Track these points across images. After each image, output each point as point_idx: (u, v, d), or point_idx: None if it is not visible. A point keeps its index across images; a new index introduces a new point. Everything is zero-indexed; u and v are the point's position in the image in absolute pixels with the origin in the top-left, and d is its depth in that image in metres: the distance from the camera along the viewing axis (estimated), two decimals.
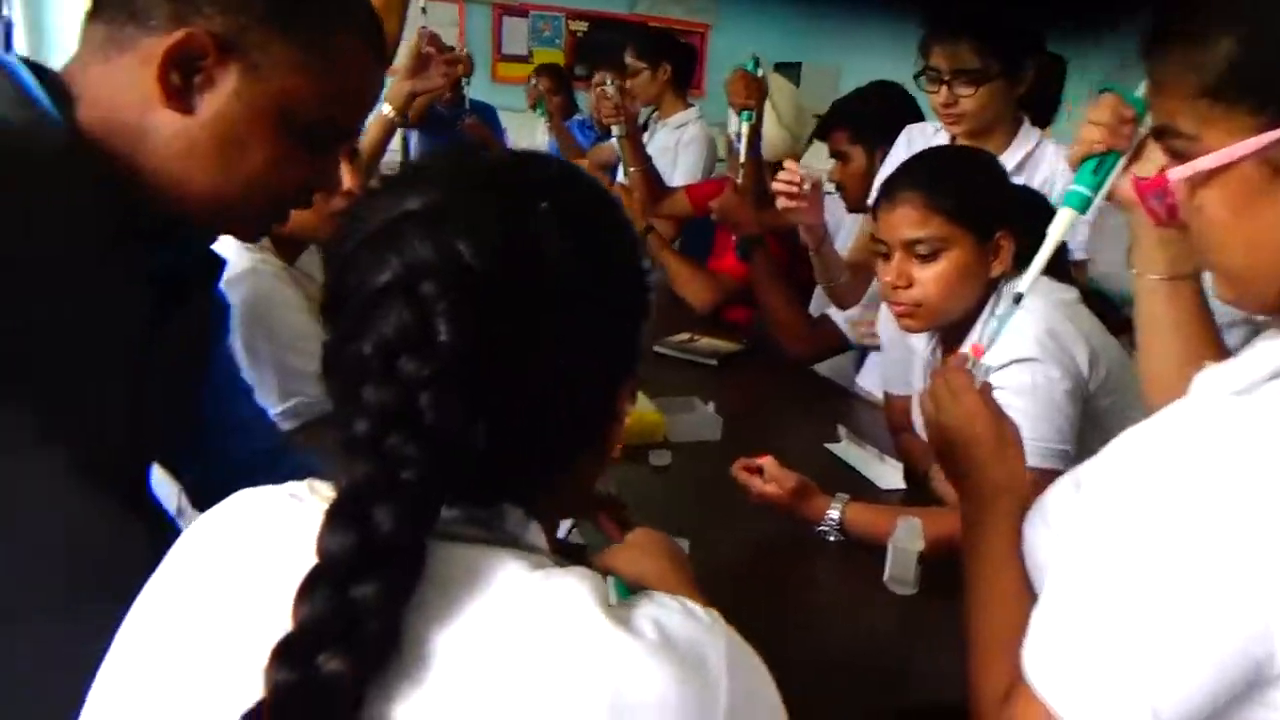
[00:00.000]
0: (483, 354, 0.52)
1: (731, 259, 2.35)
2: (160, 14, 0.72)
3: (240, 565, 0.56)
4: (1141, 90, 0.92)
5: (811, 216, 1.82)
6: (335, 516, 0.49)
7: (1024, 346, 1.25)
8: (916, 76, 1.79)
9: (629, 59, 3.09)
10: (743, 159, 2.25)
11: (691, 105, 3.23)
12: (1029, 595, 0.80)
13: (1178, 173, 0.69)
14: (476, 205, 0.55)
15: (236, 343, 1.16)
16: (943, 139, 1.86)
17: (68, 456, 0.68)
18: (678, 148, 3.11)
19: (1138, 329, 1.00)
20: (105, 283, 0.73)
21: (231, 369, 1.06)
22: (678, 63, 3.15)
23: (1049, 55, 1.85)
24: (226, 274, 1.16)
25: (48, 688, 0.61)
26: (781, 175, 1.79)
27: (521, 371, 0.54)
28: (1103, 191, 0.96)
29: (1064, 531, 0.79)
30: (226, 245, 1.19)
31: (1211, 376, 0.69)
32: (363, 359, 0.51)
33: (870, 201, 1.85)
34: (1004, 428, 0.92)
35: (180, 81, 0.72)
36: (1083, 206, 0.96)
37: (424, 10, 1.84)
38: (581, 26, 6.37)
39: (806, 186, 1.76)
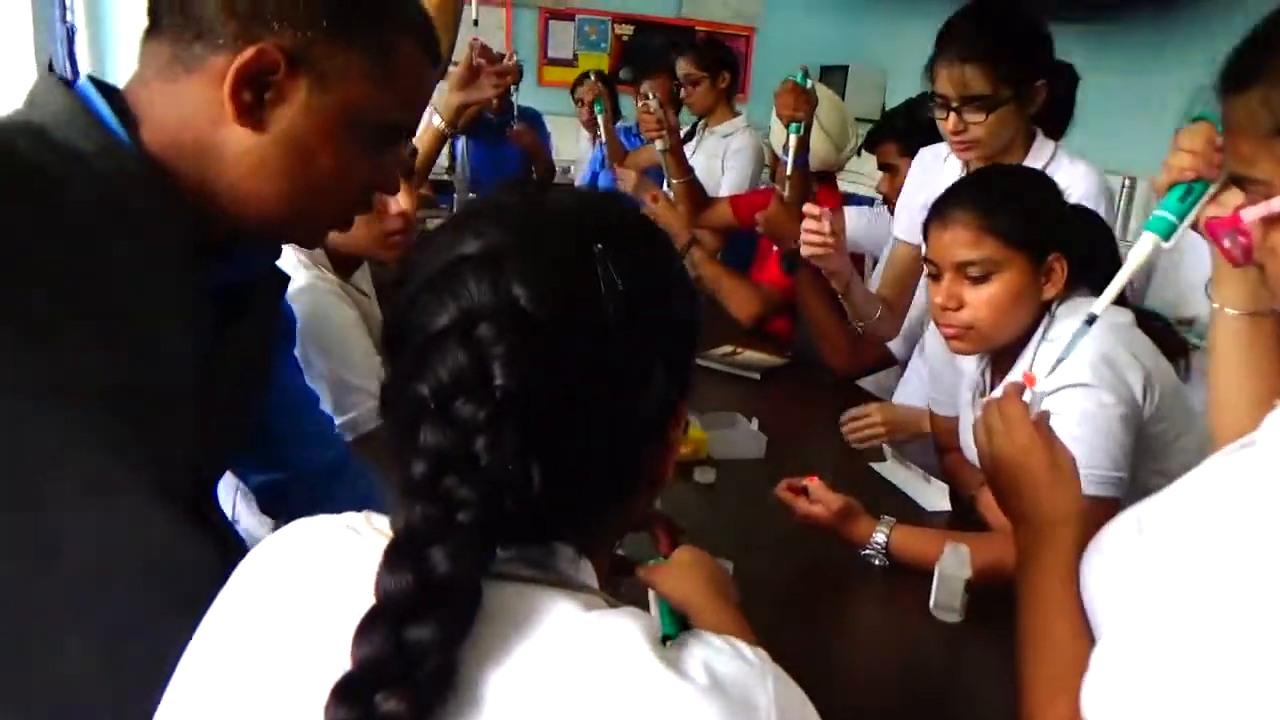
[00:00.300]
0: (538, 396, 0.52)
1: (773, 270, 2.34)
2: (228, 31, 0.72)
3: (299, 599, 0.57)
4: None
5: (836, 263, 1.80)
6: (393, 557, 0.50)
7: (1078, 372, 1.23)
8: (927, 100, 1.74)
9: (687, 68, 3.09)
10: (790, 171, 2.23)
11: (739, 114, 3.23)
12: (1087, 633, 0.80)
13: (1251, 213, 0.68)
14: (532, 250, 0.55)
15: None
16: (954, 163, 1.82)
17: (143, 476, 0.69)
18: (725, 156, 3.11)
19: (1210, 361, 0.99)
20: (177, 304, 0.74)
21: (297, 380, 1.08)
22: (734, 71, 3.15)
23: (1058, 65, 1.79)
24: (287, 290, 1.18)
25: (126, 702, 0.63)
26: (808, 224, 1.76)
27: (576, 412, 0.55)
28: (1188, 220, 0.94)
29: (1123, 571, 0.77)
30: (285, 261, 1.22)
31: None
32: (420, 400, 0.52)
33: (921, 221, 1.84)
34: (1060, 458, 0.91)
35: (252, 98, 0.73)
36: (1167, 233, 0.94)
37: (475, 22, 1.85)
38: (627, 31, 6.38)
39: (829, 231, 1.73)
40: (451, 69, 1.76)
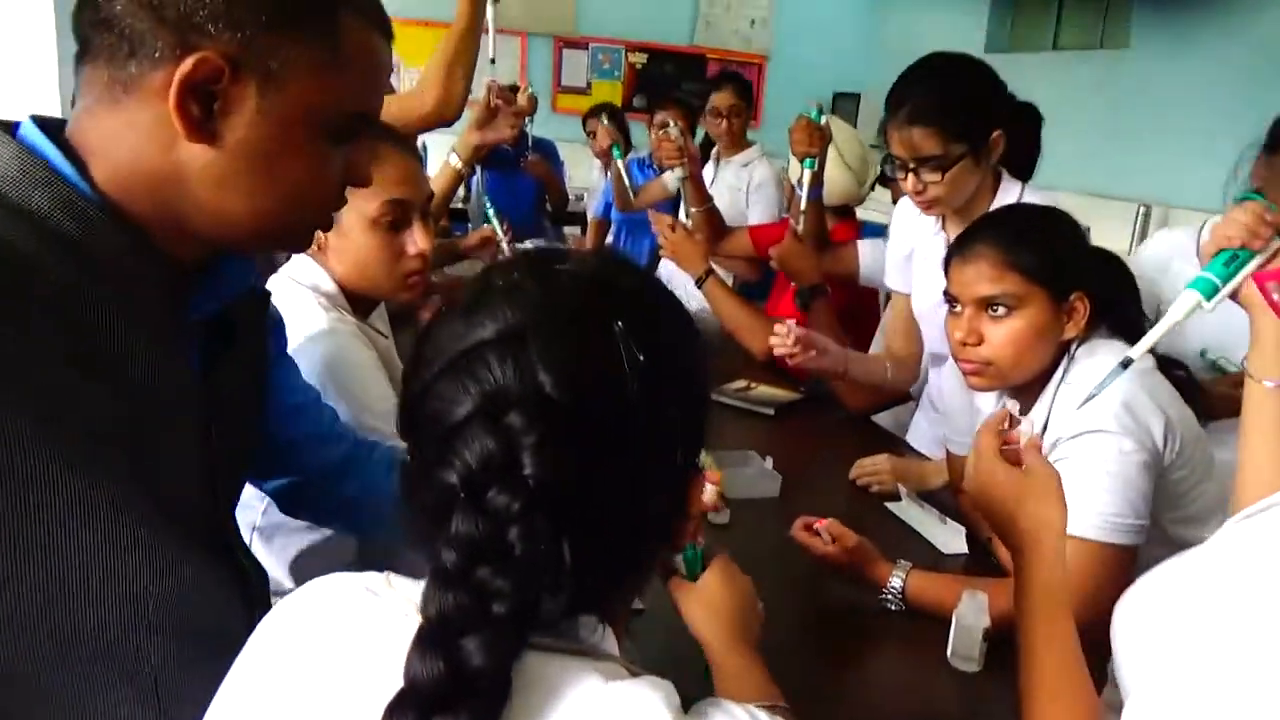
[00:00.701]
0: (568, 481, 0.53)
1: (789, 303, 2.34)
2: (163, 43, 0.66)
3: (319, 668, 0.57)
4: None
5: (821, 363, 1.82)
6: (424, 643, 0.50)
7: (1099, 419, 1.22)
8: (883, 163, 1.74)
9: (731, 99, 3.14)
10: (804, 205, 2.24)
11: (753, 143, 3.27)
12: (1078, 641, 0.85)
13: None
14: (554, 333, 0.55)
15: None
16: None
17: (152, 520, 0.68)
18: (750, 188, 3.14)
19: (1242, 430, 1.01)
20: (162, 344, 0.71)
21: (297, 382, 1.05)
22: (749, 102, 3.21)
23: (1020, 109, 1.79)
24: (307, 331, 1.19)
25: None
26: (774, 339, 1.79)
27: (605, 492, 0.55)
28: (1230, 286, 0.98)
29: (1153, 632, 0.76)
30: (304, 303, 1.23)
31: None
32: (449, 489, 0.52)
33: (906, 271, 1.84)
34: (1027, 482, 0.92)
35: (200, 111, 0.67)
36: (1209, 293, 0.98)
37: (493, 62, 1.87)
38: (641, 59, 6.43)
39: (793, 341, 1.77)
40: (468, 109, 1.79)
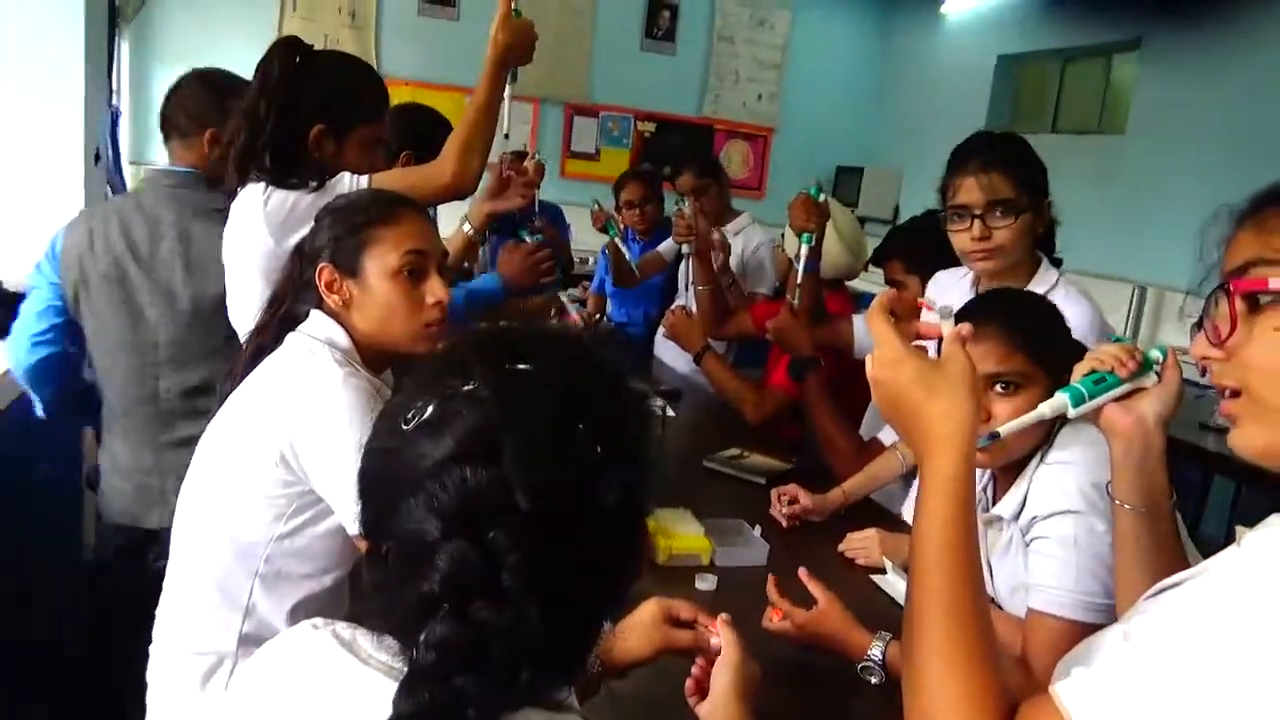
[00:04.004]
0: (544, 582, 0.57)
1: (783, 372, 2.39)
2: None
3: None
4: (1156, 353, 1.08)
5: (826, 511, 1.92)
6: None
7: (1068, 499, 1.27)
8: (938, 216, 1.82)
9: (694, 179, 3.23)
10: (800, 278, 2.30)
11: (739, 211, 3.41)
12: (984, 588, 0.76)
13: (1277, 281, 0.72)
14: (523, 447, 0.58)
15: (318, 444, 1.23)
16: (968, 283, 1.89)
17: None
18: (746, 255, 3.23)
19: (1115, 555, 1.08)
20: None
21: None
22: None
23: None
24: (323, 383, 1.24)
25: None
26: (774, 512, 1.89)
27: (573, 575, 0.59)
28: (1095, 403, 1.07)
29: (1109, 679, 0.77)
30: (319, 358, 1.29)
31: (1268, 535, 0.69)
32: (428, 597, 0.56)
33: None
34: (942, 372, 0.82)
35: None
36: (1075, 402, 1.07)
37: (506, 136, 1.95)
38: (649, 128, 6.59)
39: (790, 514, 1.87)
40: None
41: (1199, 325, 0.83)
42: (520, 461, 0.57)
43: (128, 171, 5.06)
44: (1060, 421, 1.37)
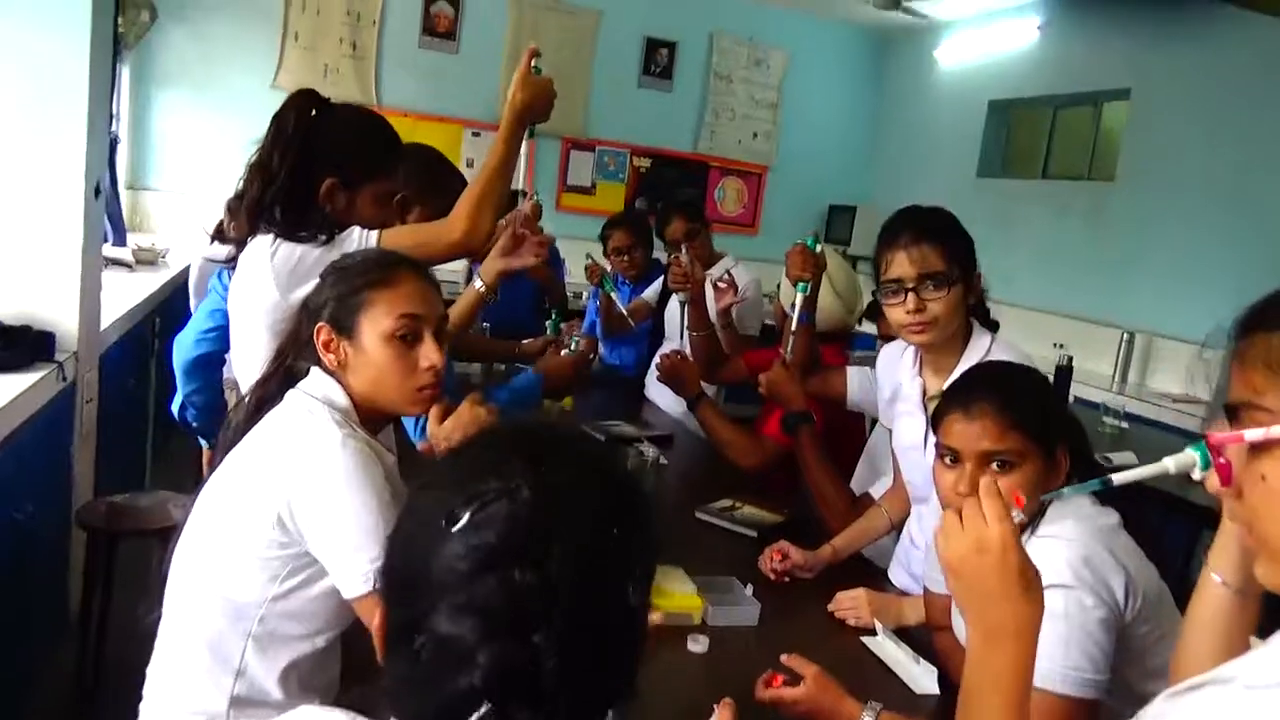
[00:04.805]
0: (572, 678, 0.58)
1: (776, 424, 2.40)
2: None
3: None
4: None
5: (816, 569, 1.92)
6: None
7: (1059, 573, 1.27)
8: (875, 292, 1.85)
9: (685, 224, 3.30)
10: (794, 326, 2.30)
11: (723, 253, 3.48)
12: None
13: (1254, 434, 0.73)
14: (568, 552, 0.59)
15: (316, 507, 1.23)
16: (910, 356, 1.91)
17: None
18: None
19: (1188, 613, 1.04)
20: None
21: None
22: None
23: None
24: (320, 443, 1.24)
25: None
26: (763, 568, 1.88)
27: (599, 673, 0.61)
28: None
29: None
30: (317, 416, 1.29)
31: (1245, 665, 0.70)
32: (468, 692, 0.57)
33: (918, 400, 1.91)
34: (1023, 564, 0.91)
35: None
36: (1205, 465, 0.91)
37: (523, 194, 1.95)
38: (645, 163, 6.64)
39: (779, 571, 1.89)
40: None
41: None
42: (568, 566, 0.58)
43: (124, 197, 5.08)
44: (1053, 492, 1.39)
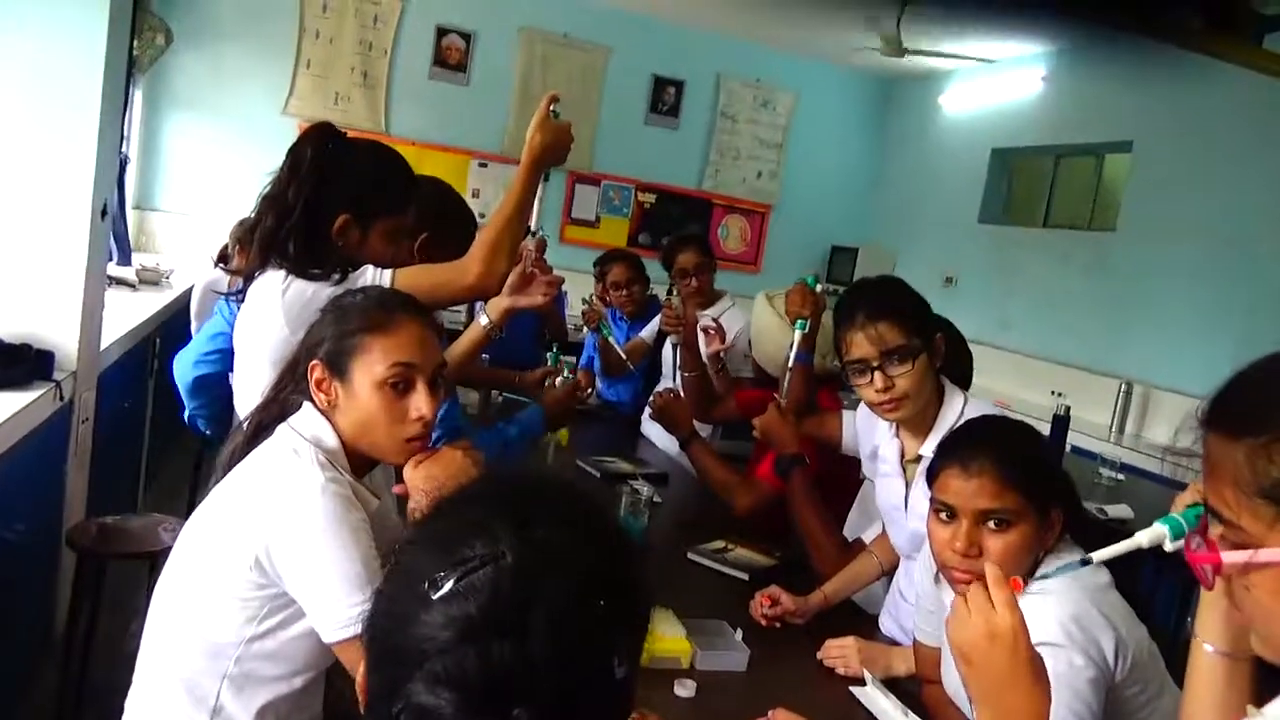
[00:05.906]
0: None
1: (769, 466, 2.39)
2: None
3: None
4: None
5: (807, 615, 1.91)
6: None
7: (1049, 632, 1.27)
8: (842, 372, 1.86)
9: (697, 257, 3.30)
10: (791, 364, 2.30)
11: (722, 293, 3.46)
12: None
13: (1232, 558, 0.74)
14: (549, 624, 0.58)
15: (294, 550, 1.22)
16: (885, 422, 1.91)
17: None
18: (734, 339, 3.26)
19: (1185, 686, 1.03)
20: None
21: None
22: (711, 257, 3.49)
23: (942, 323, 1.91)
24: (300, 487, 1.23)
25: None
26: (754, 613, 1.87)
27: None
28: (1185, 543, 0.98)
29: None
30: (302, 457, 1.28)
31: None
32: None
33: (897, 461, 1.92)
34: (1030, 654, 0.94)
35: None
36: (1175, 535, 0.97)
37: (533, 234, 1.94)
38: (649, 199, 6.69)
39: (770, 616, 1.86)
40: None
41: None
42: (547, 641, 0.57)
43: (130, 216, 5.11)
44: (1047, 550, 1.39)
